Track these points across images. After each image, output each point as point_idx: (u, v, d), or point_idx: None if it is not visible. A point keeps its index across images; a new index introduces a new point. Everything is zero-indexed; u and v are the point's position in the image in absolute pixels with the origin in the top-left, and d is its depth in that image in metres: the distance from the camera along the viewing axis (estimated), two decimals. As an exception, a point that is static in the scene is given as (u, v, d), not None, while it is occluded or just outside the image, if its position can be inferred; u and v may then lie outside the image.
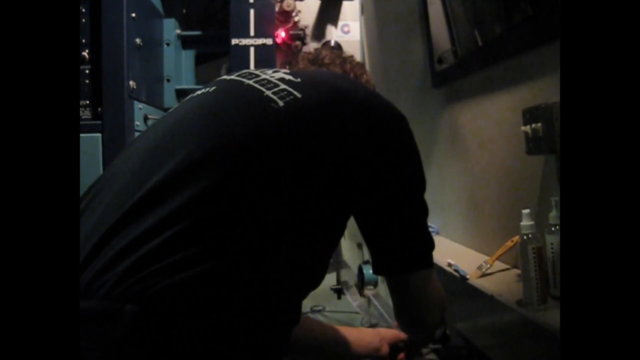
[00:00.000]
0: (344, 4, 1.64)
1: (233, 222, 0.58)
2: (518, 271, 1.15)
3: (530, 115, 1.01)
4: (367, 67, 2.58)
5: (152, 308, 0.53)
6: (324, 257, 0.71)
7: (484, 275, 1.18)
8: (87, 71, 1.20)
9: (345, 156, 0.68)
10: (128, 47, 1.22)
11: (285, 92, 0.70)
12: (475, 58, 1.36)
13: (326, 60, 0.95)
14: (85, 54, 1.19)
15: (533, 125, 0.99)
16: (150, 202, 0.59)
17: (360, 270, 2.06)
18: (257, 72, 0.77)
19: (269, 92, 0.69)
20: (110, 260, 0.56)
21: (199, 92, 0.76)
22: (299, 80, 0.73)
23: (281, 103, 0.68)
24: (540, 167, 1.08)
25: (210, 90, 0.74)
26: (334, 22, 1.65)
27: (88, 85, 1.20)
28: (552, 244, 0.94)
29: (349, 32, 1.62)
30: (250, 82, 0.73)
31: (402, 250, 0.78)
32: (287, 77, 0.74)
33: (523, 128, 1.02)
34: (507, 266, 1.22)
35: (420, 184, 0.81)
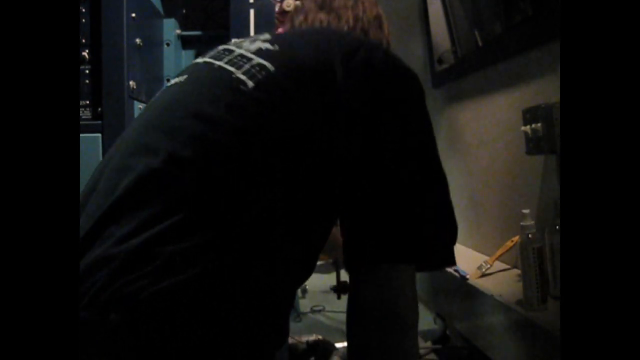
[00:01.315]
0: (344, 4, 1.63)
1: (222, 219, 0.55)
2: (518, 271, 1.15)
3: (530, 115, 1.01)
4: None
5: (139, 315, 0.50)
6: (316, 248, 0.66)
7: (484, 275, 1.18)
8: (87, 71, 1.20)
9: (325, 129, 0.61)
10: (128, 47, 1.22)
11: (257, 68, 0.64)
12: (475, 58, 1.36)
13: (335, 4, 0.84)
14: (85, 54, 1.19)
15: (533, 125, 0.99)
16: (130, 203, 0.57)
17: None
18: (232, 47, 0.71)
19: (239, 73, 0.63)
20: (93, 264, 0.54)
21: (173, 81, 0.72)
22: (276, 48, 0.67)
23: (251, 84, 0.62)
24: (540, 167, 1.08)
25: (183, 80, 0.69)
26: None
27: (88, 85, 1.20)
28: (552, 244, 0.94)
29: (349, 32, 1.60)
30: (221, 63, 0.67)
31: (390, 235, 0.61)
32: (265, 46, 0.68)
33: (523, 128, 1.02)
34: (507, 266, 1.22)
35: (424, 159, 0.66)
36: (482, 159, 1.38)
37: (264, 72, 0.63)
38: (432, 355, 1.42)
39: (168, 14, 1.70)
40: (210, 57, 0.71)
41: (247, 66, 0.64)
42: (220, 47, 0.73)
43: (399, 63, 0.69)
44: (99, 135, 1.18)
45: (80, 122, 1.18)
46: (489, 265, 1.19)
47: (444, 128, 1.64)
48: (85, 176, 1.11)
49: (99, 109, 1.19)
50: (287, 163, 0.59)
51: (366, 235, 0.62)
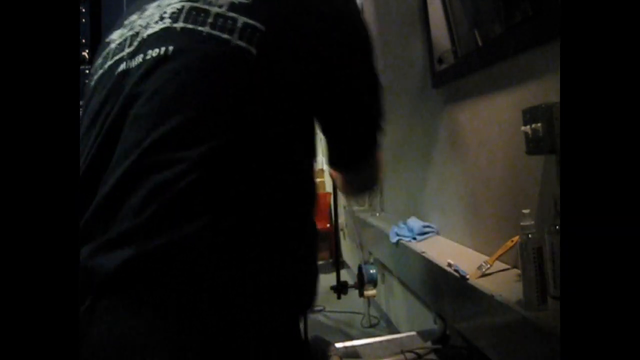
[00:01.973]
0: (344, 4, 1.63)
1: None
2: (518, 271, 1.15)
3: (530, 115, 1.01)
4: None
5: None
6: (310, 173, 0.69)
7: (484, 275, 1.18)
8: (87, 71, 1.21)
9: (308, 70, 0.65)
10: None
11: (249, 30, 0.61)
12: (475, 58, 1.36)
13: None
14: (85, 54, 1.19)
15: (533, 125, 0.99)
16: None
17: (360, 270, 2.06)
18: (201, 4, 0.65)
19: (235, 39, 0.60)
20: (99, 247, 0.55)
21: (154, 53, 0.63)
22: (249, 1, 0.64)
23: (254, 50, 0.60)
24: (540, 167, 1.08)
25: (169, 54, 0.61)
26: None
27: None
28: (552, 244, 0.94)
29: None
30: (208, 28, 0.62)
31: (363, 139, 0.76)
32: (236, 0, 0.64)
33: (523, 128, 1.02)
34: (507, 266, 1.22)
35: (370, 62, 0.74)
36: (482, 159, 1.38)
37: (257, 34, 0.61)
38: (432, 355, 1.42)
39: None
40: (189, 22, 0.63)
41: (238, 29, 0.61)
42: (186, 5, 0.65)
43: None
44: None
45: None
46: (489, 265, 1.19)
47: (444, 128, 1.64)
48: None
49: (99, 109, 1.20)
50: (287, 106, 0.63)
51: (348, 144, 0.76)
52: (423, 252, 1.55)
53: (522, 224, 0.95)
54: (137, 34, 0.67)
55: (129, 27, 0.70)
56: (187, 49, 0.61)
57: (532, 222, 0.94)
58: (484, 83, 1.33)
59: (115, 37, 0.71)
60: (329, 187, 5.34)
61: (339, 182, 0.90)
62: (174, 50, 0.61)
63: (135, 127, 0.59)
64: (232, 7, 0.63)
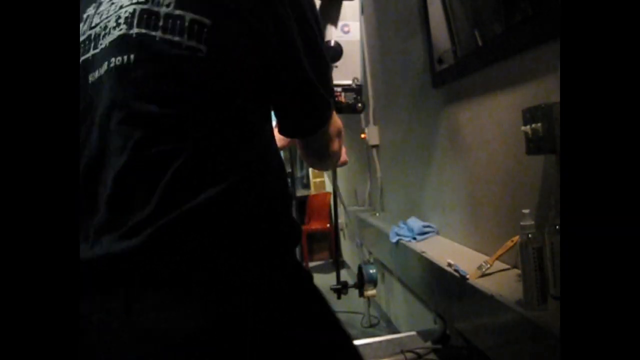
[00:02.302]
0: (344, 4, 1.64)
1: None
2: (518, 271, 1.15)
3: (530, 115, 1.01)
4: (368, 67, 2.60)
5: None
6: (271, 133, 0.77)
7: (484, 275, 1.18)
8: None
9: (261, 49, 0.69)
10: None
11: (196, 26, 0.66)
12: (475, 58, 1.36)
13: None
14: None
15: (533, 125, 0.99)
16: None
17: (360, 270, 2.06)
18: (149, 6, 0.68)
19: (185, 40, 0.66)
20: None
21: (117, 61, 0.68)
22: None
23: (204, 48, 0.66)
24: (540, 167, 1.08)
25: (131, 63, 0.67)
26: (334, 22, 1.65)
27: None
28: (552, 244, 0.94)
29: (349, 32, 1.61)
30: (160, 33, 0.67)
31: (316, 109, 0.80)
32: None
33: (523, 128, 1.02)
34: (507, 266, 1.22)
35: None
36: (482, 158, 1.38)
37: (205, 30, 0.66)
38: (432, 355, 1.42)
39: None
40: (142, 27, 0.68)
41: (186, 28, 0.66)
42: (137, 9, 0.69)
43: None
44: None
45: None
46: (489, 265, 1.19)
47: (444, 128, 1.64)
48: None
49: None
50: (242, 89, 0.69)
51: (294, 116, 0.80)
52: (423, 252, 1.55)
53: (522, 224, 0.95)
54: (98, 36, 0.72)
55: (87, 24, 0.74)
56: (145, 56, 0.67)
57: (532, 222, 0.94)
58: (484, 83, 1.33)
59: (81, 36, 0.74)
60: (328, 187, 5.34)
61: (298, 148, 0.94)
62: (135, 59, 0.67)
63: (119, 131, 0.66)
64: (178, 3, 0.67)
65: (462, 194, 1.53)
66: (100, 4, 0.74)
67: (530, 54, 1.09)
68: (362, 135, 2.64)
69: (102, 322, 0.61)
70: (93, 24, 0.73)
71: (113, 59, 0.68)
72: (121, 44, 0.68)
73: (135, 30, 0.68)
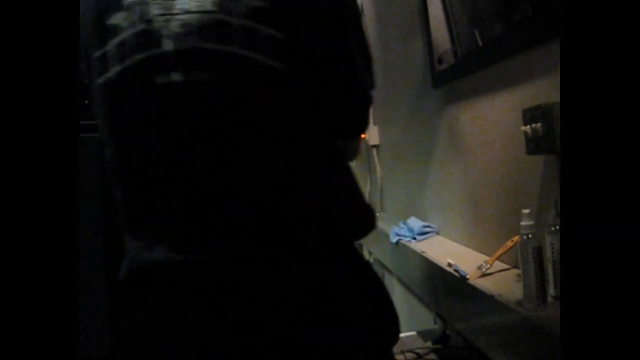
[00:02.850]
0: (344, 4, 1.64)
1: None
2: (518, 271, 1.15)
3: (530, 115, 1.01)
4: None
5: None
6: None
7: (484, 275, 1.18)
8: (87, 71, 1.21)
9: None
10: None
11: (270, 42, 0.66)
12: (475, 58, 1.36)
13: None
14: (85, 54, 1.19)
15: (533, 125, 0.99)
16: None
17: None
18: (224, 16, 0.66)
19: (259, 57, 0.66)
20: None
21: (192, 77, 0.67)
22: (266, 4, 0.66)
23: (278, 65, 0.66)
24: (540, 167, 1.08)
25: (208, 79, 0.66)
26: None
27: (88, 85, 1.20)
28: (552, 244, 0.94)
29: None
30: (235, 48, 0.66)
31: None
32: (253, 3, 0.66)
33: (523, 128, 1.02)
34: (507, 266, 1.22)
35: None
36: (482, 159, 1.38)
37: (278, 46, 0.66)
38: (432, 355, 1.42)
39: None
40: (216, 41, 0.66)
41: (260, 44, 0.65)
42: (210, 18, 0.66)
43: None
44: (100, 135, 1.18)
45: (80, 122, 1.18)
46: (489, 265, 1.19)
47: (444, 128, 1.64)
48: (85, 176, 1.11)
49: (99, 109, 1.20)
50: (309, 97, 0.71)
51: (346, 117, 0.81)
52: (423, 252, 1.55)
53: (522, 224, 0.95)
54: (158, 35, 0.67)
55: (136, 14, 0.68)
56: (221, 75, 0.66)
57: (532, 222, 0.94)
58: (484, 83, 1.33)
59: (122, 22, 0.69)
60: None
61: None
62: (210, 76, 0.66)
63: (198, 151, 0.67)
64: (252, 14, 0.65)
65: (462, 194, 1.53)
66: None
67: (530, 54, 1.09)
68: (362, 135, 2.64)
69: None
70: (147, 17, 0.68)
71: (190, 73, 0.66)
72: (195, 58, 0.66)
73: (209, 45, 0.66)
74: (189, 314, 0.67)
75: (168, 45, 0.66)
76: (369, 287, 0.77)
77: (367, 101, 0.82)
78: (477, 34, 1.34)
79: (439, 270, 1.37)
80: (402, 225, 1.91)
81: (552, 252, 0.94)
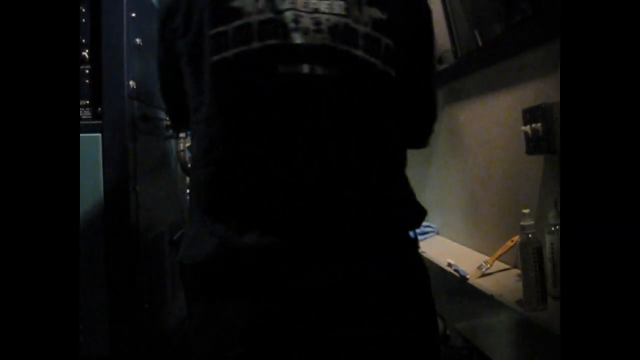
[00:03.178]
0: (344, 4, 1.64)
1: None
2: (518, 271, 1.15)
3: (530, 115, 1.01)
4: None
5: None
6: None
7: (484, 275, 1.18)
8: (87, 71, 1.20)
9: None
10: (128, 47, 1.21)
11: (389, 52, 0.72)
12: (475, 58, 1.36)
13: None
14: (85, 54, 1.19)
15: (533, 125, 0.99)
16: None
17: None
18: (351, 22, 0.71)
19: (381, 65, 0.71)
20: None
21: (319, 71, 0.70)
22: (385, 17, 0.72)
23: (393, 72, 0.72)
24: (540, 167, 1.08)
25: (334, 76, 0.70)
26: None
27: (88, 85, 1.20)
28: (552, 244, 0.94)
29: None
30: (360, 52, 0.70)
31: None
32: (377, 14, 0.72)
33: (523, 128, 1.02)
34: (507, 266, 1.22)
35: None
36: (482, 158, 1.38)
37: (394, 55, 0.72)
38: (432, 355, 1.42)
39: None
40: (345, 43, 0.70)
41: (382, 52, 0.71)
42: (340, 22, 0.70)
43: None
44: (99, 135, 1.18)
45: (80, 122, 1.17)
46: (489, 265, 1.19)
47: (444, 128, 1.64)
48: (85, 176, 1.11)
49: (99, 109, 1.19)
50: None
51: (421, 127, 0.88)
52: (423, 252, 1.55)
53: (522, 224, 0.95)
54: (286, 27, 0.70)
55: (266, 2, 0.70)
56: (346, 73, 0.70)
57: (532, 222, 0.94)
58: (484, 83, 1.33)
59: (247, 7, 0.70)
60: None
61: None
62: (337, 74, 0.70)
63: (309, 141, 0.70)
64: (375, 24, 0.71)
65: (462, 193, 1.53)
66: None
67: (530, 54, 1.09)
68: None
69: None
70: (277, 8, 0.70)
71: (318, 67, 0.69)
72: (326, 54, 0.69)
73: (339, 45, 0.70)
74: (275, 300, 0.68)
75: (298, 39, 0.69)
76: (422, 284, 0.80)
77: (435, 117, 0.88)
78: (477, 34, 1.34)
79: (439, 270, 1.37)
80: (402, 225, 1.91)
81: (552, 252, 0.94)
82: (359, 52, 0.70)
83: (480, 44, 1.33)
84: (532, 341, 0.91)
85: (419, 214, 0.79)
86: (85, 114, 1.19)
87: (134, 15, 1.27)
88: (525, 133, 1.01)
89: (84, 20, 1.17)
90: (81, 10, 1.16)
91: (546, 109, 0.96)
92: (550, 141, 0.95)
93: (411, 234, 0.80)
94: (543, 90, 1.05)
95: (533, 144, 1.01)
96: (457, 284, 1.24)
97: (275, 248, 0.67)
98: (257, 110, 0.69)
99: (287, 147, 0.69)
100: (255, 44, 0.69)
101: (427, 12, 0.81)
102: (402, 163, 0.81)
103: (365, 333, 0.69)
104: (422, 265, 0.78)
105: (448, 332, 1.50)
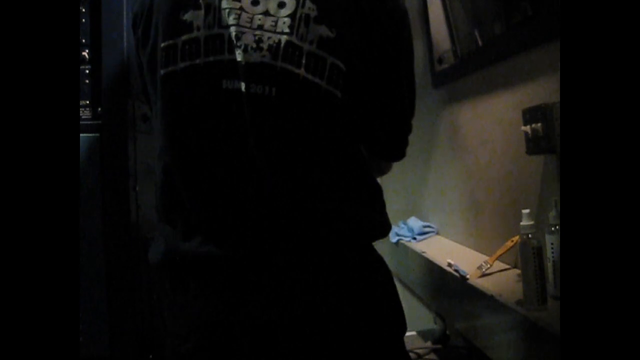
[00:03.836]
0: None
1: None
2: (518, 271, 1.15)
3: (530, 115, 1.01)
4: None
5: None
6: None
7: (484, 275, 1.18)
8: (87, 71, 1.20)
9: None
10: (128, 47, 1.21)
11: (335, 71, 0.70)
12: (475, 58, 1.36)
13: None
14: (85, 54, 1.19)
15: (533, 125, 0.99)
16: None
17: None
18: (296, 41, 0.70)
19: (324, 84, 0.70)
20: None
21: (258, 90, 0.70)
22: (332, 34, 0.70)
23: (339, 94, 0.71)
24: (540, 167, 1.08)
25: (273, 95, 0.70)
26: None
27: (88, 85, 1.20)
28: (552, 244, 0.94)
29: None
30: (302, 71, 0.69)
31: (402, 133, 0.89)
32: (325, 32, 0.70)
33: (523, 128, 1.02)
34: (507, 266, 1.22)
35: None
36: (482, 158, 1.38)
37: (341, 76, 0.70)
38: (432, 355, 1.42)
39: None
40: (287, 61, 0.69)
41: (327, 72, 0.70)
42: (283, 40, 0.69)
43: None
44: (99, 135, 1.18)
45: (80, 122, 1.18)
46: (489, 265, 1.19)
47: (444, 128, 1.64)
48: (85, 176, 1.11)
49: (99, 109, 1.19)
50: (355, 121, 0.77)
51: (397, 145, 0.90)
52: (423, 252, 1.55)
53: (522, 224, 0.95)
54: (230, 42, 0.70)
55: (213, 17, 0.71)
56: (285, 92, 0.70)
57: (532, 222, 0.94)
58: (484, 83, 1.33)
59: (197, 21, 0.71)
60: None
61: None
62: (276, 93, 0.69)
63: (257, 156, 0.70)
64: (321, 43, 0.70)
65: (462, 193, 1.53)
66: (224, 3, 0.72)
67: (530, 54, 1.09)
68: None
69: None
70: (223, 23, 0.70)
71: (253, 85, 0.69)
72: (263, 72, 0.69)
73: (280, 63, 0.69)
74: (214, 303, 0.71)
75: (239, 56, 0.69)
76: (383, 280, 0.82)
77: (408, 130, 0.88)
78: (477, 34, 1.34)
79: (439, 270, 1.37)
80: (402, 225, 1.91)
81: (552, 252, 0.94)
82: (301, 71, 0.69)
83: (480, 44, 1.33)
84: (532, 341, 0.91)
85: (371, 228, 0.78)
86: (85, 114, 1.19)
87: (134, 15, 1.27)
88: (525, 133, 1.01)
89: (84, 20, 1.17)
90: (81, 10, 1.16)
91: (546, 109, 0.96)
92: (550, 141, 0.95)
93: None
94: (543, 90, 1.05)
95: (533, 144, 1.01)
96: (457, 284, 1.23)
97: (213, 256, 0.70)
98: (200, 123, 0.71)
99: (226, 161, 0.71)
100: (200, 60, 0.70)
101: (393, 27, 0.77)
102: (353, 177, 0.77)
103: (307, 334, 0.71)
104: (368, 270, 0.80)
105: (448, 332, 1.50)
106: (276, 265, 0.70)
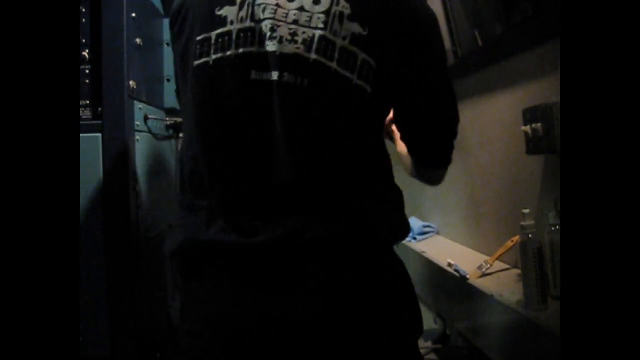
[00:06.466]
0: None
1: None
2: (518, 271, 1.15)
3: (530, 115, 1.01)
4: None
5: None
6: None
7: (484, 275, 1.18)
8: (87, 71, 1.20)
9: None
10: (128, 47, 1.21)
11: (366, 68, 0.71)
12: (476, 58, 1.36)
13: None
14: (85, 54, 1.19)
15: (533, 125, 0.99)
16: None
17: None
18: (329, 35, 0.71)
19: (355, 78, 0.71)
20: None
21: (290, 79, 0.71)
22: (365, 32, 0.72)
23: (369, 89, 0.72)
24: (540, 167, 1.08)
25: (305, 85, 0.71)
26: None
27: (88, 85, 1.20)
28: (552, 244, 0.94)
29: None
30: (334, 64, 0.71)
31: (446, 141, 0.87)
32: (357, 30, 0.72)
33: (523, 128, 1.02)
34: (507, 266, 1.22)
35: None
36: (482, 158, 1.38)
37: (372, 72, 0.72)
38: (432, 355, 1.42)
39: (168, 14, 1.69)
40: (320, 54, 0.71)
41: (357, 67, 0.71)
42: (317, 34, 0.71)
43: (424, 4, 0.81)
44: (99, 135, 1.18)
45: (80, 122, 1.17)
46: (489, 265, 1.19)
47: (444, 128, 1.64)
48: (85, 176, 1.11)
49: (99, 109, 1.19)
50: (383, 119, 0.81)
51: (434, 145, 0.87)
52: (423, 252, 1.55)
53: (522, 224, 0.95)
54: (263, 35, 0.72)
55: (246, 11, 0.74)
56: (317, 84, 0.71)
57: (532, 222, 0.94)
58: (484, 83, 1.33)
59: (231, 15, 0.74)
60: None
61: (405, 164, 0.97)
62: (308, 84, 0.71)
63: (286, 146, 0.71)
64: (353, 39, 0.72)
65: (462, 193, 1.53)
66: None
67: (530, 54, 1.09)
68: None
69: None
70: (256, 17, 0.73)
71: (286, 74, 0.71)
72: (296, 63, 0.71)
73: (313, 55, 0.71)
74: (230, 292, 0.72)
75: (271, 47, 0.71)
76: (402, 283, 0.82)
77: (453, 135, 0.87)
78: (477, 34, 1.34)
79: (439, 270, 1.37)
80: (402, 225, 1.91)
81: (552, 252, 0.94)
82: (333, 64, 0.71)
83: (480, 44, 1.33)
84: (532, 341, 0.91)
85: (393, 229, 0.80)
86: (85, 114, 1.19)
87: (134, 15, 1.27)
88: (525, 133, 1.01)
89: (84, 20, 1.17)
90: (81, 10, 1.16)
91: (546, 109, 0.96)
92: (550, 141, 0.95)
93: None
94: (543, 90, 1.05)
95: (533, 144, 1.01)
96: (457, 284, 1.24)
97: (232, 243, 0.71)
98: (228, 113, 0.73)
99: (252, 151, 0.72)
100: (230, 52, 0.73)
101: (424, 30, 0.78)
102: (377, 177, 0.79)
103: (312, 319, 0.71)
104: (393, 271, 0.80)
105: (448, 332, 1.50)
106: (296, 259, 0.70)
